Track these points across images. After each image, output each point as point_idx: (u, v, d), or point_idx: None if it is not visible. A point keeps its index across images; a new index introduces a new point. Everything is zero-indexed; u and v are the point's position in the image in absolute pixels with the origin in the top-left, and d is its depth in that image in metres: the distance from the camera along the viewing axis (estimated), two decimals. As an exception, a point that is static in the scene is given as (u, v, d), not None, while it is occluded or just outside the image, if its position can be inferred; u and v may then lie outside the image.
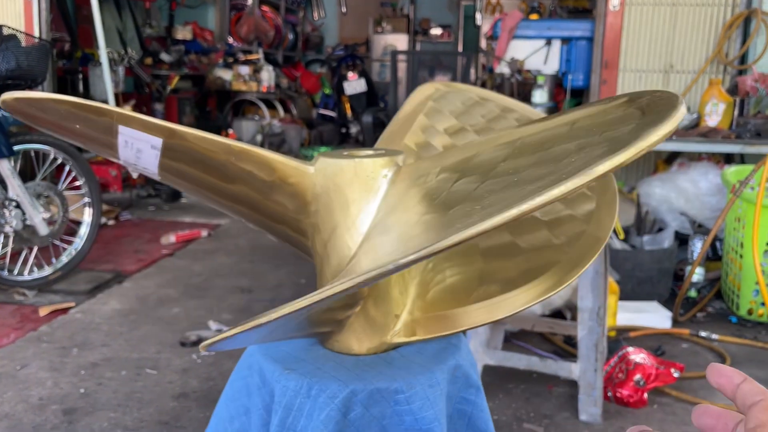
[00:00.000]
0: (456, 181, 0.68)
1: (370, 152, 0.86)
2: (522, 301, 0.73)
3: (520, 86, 4.28)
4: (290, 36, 8.67)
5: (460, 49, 9.21)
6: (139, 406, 1.94)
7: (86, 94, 4.82)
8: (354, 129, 7.73)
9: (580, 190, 0.49)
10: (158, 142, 0.71)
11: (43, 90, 3.84)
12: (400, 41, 9.47)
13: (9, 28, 2.68)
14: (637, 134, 0.49)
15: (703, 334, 2.43)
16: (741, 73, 3.49)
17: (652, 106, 0.57)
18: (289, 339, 0.88)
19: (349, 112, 7.49)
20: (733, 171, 2.82)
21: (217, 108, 7.15)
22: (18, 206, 2.72)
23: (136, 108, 5.08)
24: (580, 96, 4.14)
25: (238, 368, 0.87)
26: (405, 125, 1.02)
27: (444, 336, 0.79)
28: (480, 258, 0.83)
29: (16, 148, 2.69)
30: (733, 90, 3.34)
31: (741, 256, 2.60)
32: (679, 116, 0.51)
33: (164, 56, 6.08)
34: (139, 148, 0.72)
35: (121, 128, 0.72)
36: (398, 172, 0.81)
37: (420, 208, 0.70)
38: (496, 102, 1.06)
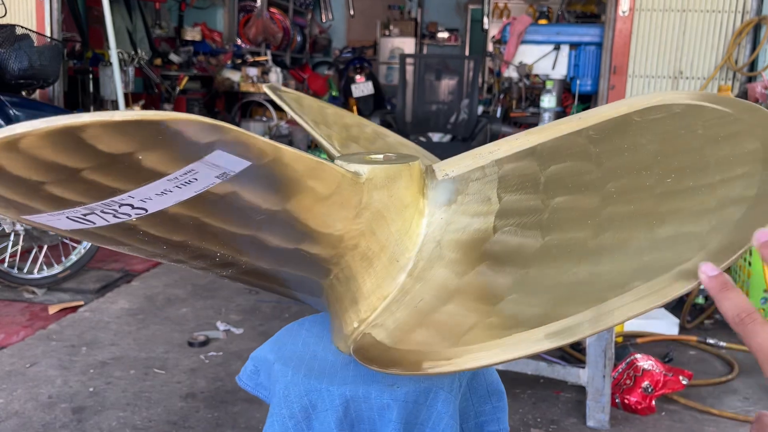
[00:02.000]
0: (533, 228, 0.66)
1: (391, 155, 0.85)
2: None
3: (528, 90, 4.28)
4: (298, 38, 8.70)
5: (467, 52, 9.22)
6: (147, 405, 1.95)
7: (96, 95, 4.85)
8: (361, 131, 7.74)
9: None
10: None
11: (53, 91, 3.87)
12: (407, 44, 9.48)
13: (22, 27, 2.70)
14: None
15: (710, 341, 2.42)
16: (750, 80, 3.48)
17: None
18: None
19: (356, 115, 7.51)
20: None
21: (225, 109, 7.18)
22: (28, 205, 2.74)
23: (145, 107, 5.10)
24: (588, 101, 4.14)
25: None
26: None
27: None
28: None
29: (27, 147, 2.70)
30: (742, 97, 3.33)
31: (750, 264, 2.59)
32: None
33: (173, 57, 6.11)
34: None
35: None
36: (434, 178, 0.81)
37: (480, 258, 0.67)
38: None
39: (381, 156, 0.83)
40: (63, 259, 2.93)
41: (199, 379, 2.13)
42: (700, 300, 2.81)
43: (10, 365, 2.16)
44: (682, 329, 2.57)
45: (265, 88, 1.06)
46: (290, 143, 6.78)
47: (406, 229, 0.75)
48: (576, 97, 3.93)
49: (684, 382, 1.99)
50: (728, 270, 2.76)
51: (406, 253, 0.74)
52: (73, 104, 4.81)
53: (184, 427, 1.85)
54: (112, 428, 1.82)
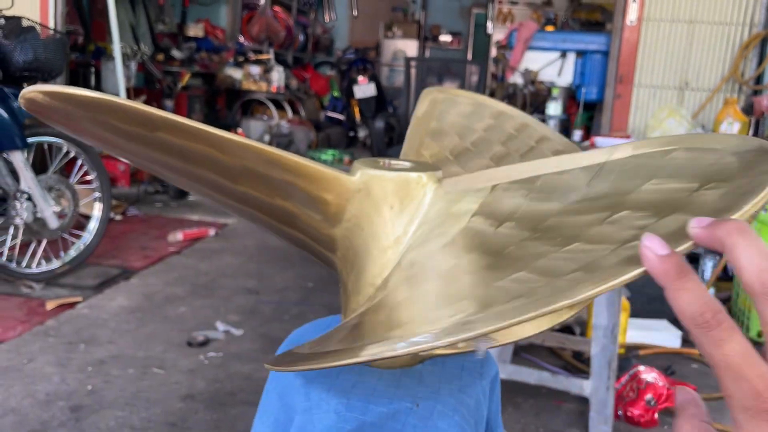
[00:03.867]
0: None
1: (407, 164, 0.84)
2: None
3: (533, 97, 4.28)
4: (301, 37, 8.69)
5: (470, 56, 9.22)
6: (146, 405, 1.93)
7: (98, 88, 4.82)
8: (362, 133, 7.73)
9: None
10: None
11: (56, 83, 3.84)
12: (409, 47, 9.48)
13: (28, 20, 2.67)
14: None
15: (713, 354, 2.41)
16: (756, 93, 3.48)
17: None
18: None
19: (357, 116, 7.50)
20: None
21: (226, 106, 7.16)
22: (29, 198, 2.71)
23: (147, 104, 5.07)
24: (592, 109, 4.14)
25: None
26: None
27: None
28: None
29: (29, 140, 2.68)
30: (748, 110, 3.33)
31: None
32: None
33: (175, 53, 6.09)
34: None
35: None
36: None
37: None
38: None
39: (407, 163, 0.81)
40: (62, 253, 2.91)
41: (198, 380, 2.10)
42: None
43: (7, 361, 2.13)
44: (685, 342, 2.56)
45: None
46: (290, 143, 6.76)
47: (389, 243, 0.74)
48: (581, 105, 3.93)
49: (687, 396, 1.98)
50: (730, 281, 2.74)
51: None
52: (74, 97, 4.78)
53: (183, 428, 1.83)
54: (111, 428, 1.80)
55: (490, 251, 0.61)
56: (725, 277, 3.00)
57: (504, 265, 0.57)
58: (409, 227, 0.77)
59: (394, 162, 0.84)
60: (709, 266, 2.85)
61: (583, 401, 2.00)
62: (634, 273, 0.37)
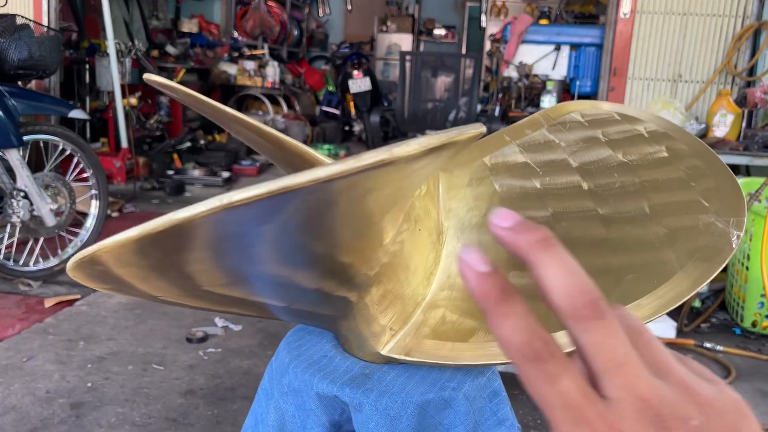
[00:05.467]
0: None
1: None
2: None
3: (527, 90, 4.29)
4: (295, 32, 8.66)
5: (464, 50, 9.22)
6: (146, 401, 1.94)
7: (92, 85, 4.81)
8: (357, 127, 7.73)
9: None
10: None
11: (49, 81, 3.83)
12: (404, 41, 9.46)
13: (22, 17, 2.67)
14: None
15: (707, 345, 2.44)
16: (749, 84, 3.50)
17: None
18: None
19: (353, 111, 7.49)
20: (741, 183, 2.83)
21: (221, 102, 7.14)
22: (26, 196, 2.71)
23: (142, 100, 5.06)
24: (587, 102, 4.15)
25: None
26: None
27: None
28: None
29: (25, 138, 2.68)
30: (741, 101, 3.35)
31: (747, 269, 2.61)
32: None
33: (170, 48, 6.07)
34: None
35: None
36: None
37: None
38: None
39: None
40: (59, 251, 2.91)
41: (198, 375, 2.12)
42: (697, 304, 2.82)
43: (6, 359, 2.14)
44: (680, 332, 2.58)
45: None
46: (286, 138, 6.76)
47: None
48: (576, 98, 3.94)
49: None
50: (724, 272, 2.74)
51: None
52: (69, 94, 4.76)
53: (184, 424, 1.84)
54: (111, 424, 1.81)
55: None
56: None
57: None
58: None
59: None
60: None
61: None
62: None
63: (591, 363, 0.26)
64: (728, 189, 0.71)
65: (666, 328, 2.55)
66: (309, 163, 0.76)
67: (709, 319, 2.76)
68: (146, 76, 0.75)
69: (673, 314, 2.70)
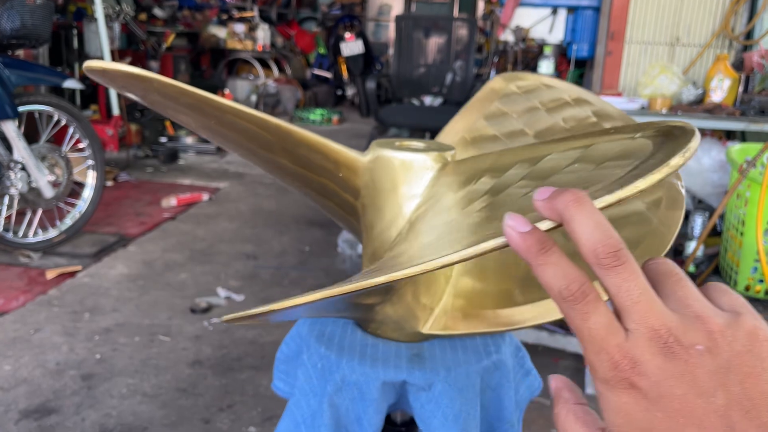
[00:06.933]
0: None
1: (421, 145, 0.86)
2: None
3: (524, 54, 4.25)
4: (285, -7, 8.50)
5: (456, 11, 9.09)
6: (155, 372, 1.97)
7: (81, 51, 4.72)
8: (350, 91, 7.65)
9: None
10: None
11: (40, 49, 3.75)
12: (396, 1, 9.31)
13: (12, -16, 2.60)
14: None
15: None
16: (746, 48, 3.49)
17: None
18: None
19: (345, 74, 7.40)
20: (738, 149, 2.85)
21: (211, 66, 7.03)
22: (23, 168, 2.69)
23: (132, 65, 4.97)
24: (583, 66, 4.13)
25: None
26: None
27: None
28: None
29: (20, 109, 2.64)
30: (738, 66, 3.34)
31: (741, 234, 2.65)
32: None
33: (158, 12, 5.95)
34: None
35: None
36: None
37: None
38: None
39: (422, 144, 0.84)
40: (58, 222, 2.90)
41: (204, 346, 2.15)
42: (692, 268, 2.87)
43: (14, 331, 2.16)
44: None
45: None
46: (277, 102, 6.69)
47: (395, 214, 0.79)
48: (572, 62, 3.92)
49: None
50: (719, 236, 2.80)
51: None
52: (56, 61, 4.68)
53: (194, 394, 1.88)
54: (123, 395, 1.84)
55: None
56: (713, 233, 3.06)
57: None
58: (415, 199, 0.81)
59: (410, 143, 0.87)
60: (698, 222, 2.91)
61: (580, 358, 2.07)
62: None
63: (614, 302, 0.31)
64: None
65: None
66: (334, 164, 0.78)
67: (703, 283, 2.81)
68: (87, 64, 0.52)
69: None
